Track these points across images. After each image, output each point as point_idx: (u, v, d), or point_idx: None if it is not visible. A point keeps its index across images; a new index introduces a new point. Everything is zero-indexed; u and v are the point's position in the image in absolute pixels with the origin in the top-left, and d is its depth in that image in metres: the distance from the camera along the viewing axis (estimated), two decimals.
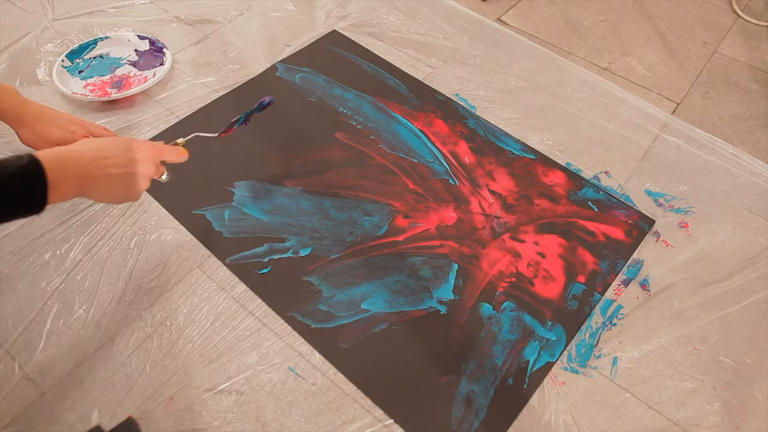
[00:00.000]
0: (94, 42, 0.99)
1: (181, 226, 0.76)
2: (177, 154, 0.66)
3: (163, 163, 0.65)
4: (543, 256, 0.76)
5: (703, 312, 0.72)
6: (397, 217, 0.79)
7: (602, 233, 0.79)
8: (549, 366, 0.67)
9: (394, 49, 1.05)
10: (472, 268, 0.75)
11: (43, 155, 0.49)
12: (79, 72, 0.95)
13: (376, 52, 1.03)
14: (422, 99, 0.96)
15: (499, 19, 1.18)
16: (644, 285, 0.75)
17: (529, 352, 0.67)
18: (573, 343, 0.69)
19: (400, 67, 1.01)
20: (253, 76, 0.97)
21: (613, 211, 0.82)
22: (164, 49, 0.98)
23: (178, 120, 0.89)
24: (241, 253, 0.74)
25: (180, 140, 0.69)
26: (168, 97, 0.93)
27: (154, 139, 0.86)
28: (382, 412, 0.62)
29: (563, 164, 0.88)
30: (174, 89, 0.95)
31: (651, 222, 0.81)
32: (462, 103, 0.96)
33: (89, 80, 0.94)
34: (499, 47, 1.08)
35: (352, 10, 1.13)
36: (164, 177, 0.66)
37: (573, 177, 0.86)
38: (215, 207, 0.79)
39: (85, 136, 0.71)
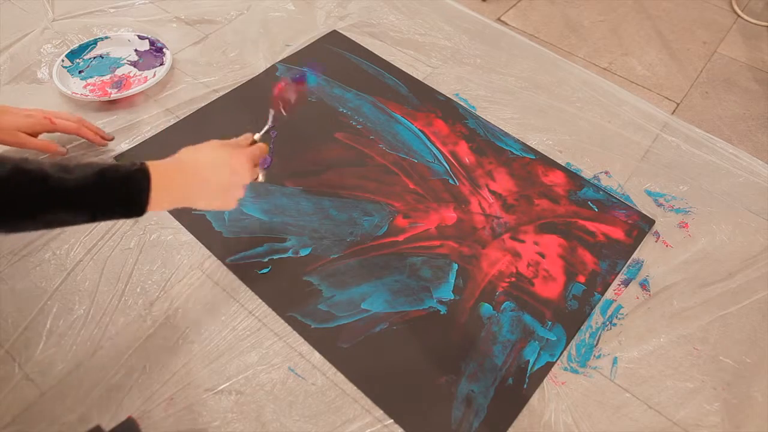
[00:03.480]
0: (94, 42, 0.99)
1: (181, 226, 0.76)
2: (263, 152, 0.67)
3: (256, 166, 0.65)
4: (543, 256, 0.76)
5: (703, 312, 0.72)
6: (397, 217, 0.79)
7: (602, 233, 0.79)
8: (549, 366, 0.67)
9: (394, 49, 1.05)
10: (472, 268, 0.75)
11: (153, 164, 0.53)
12: (79, 72, 0.95)
13: (376, 52, 1.03)
14: (422, 99, 0.96)
15: (499, 19, 1.18)
16: (644, 285, 0.75)
17: (529, 352, 0.67)
18: (573, 343, 0.69)
19: (400, 67, 1.01)
20: (253, 76, 0.97)
21: (613, 211, 0.82)
22: (164, 49, 0.98)
23: (178, 120, 0.89)
24: (241, 253, 0.74)
25: (256, 136, 0.68)
26: (168, 97, 0.93)
27: (154, 138, 0.86)
28: (382, 412, 0.62)
29: (563, 164, 0.88)
30: (174, 89, 0.95)
31: (651, 222, 0.81)
32: (462, 103, 0.96)
33: (89, 80, 0.94)
34: (499, 47, 1.08)
35: (352, 10, 1.13)
36: (261, 178, 0.67)
37: (573, 177, 0.86)
38: None
39: (45, 117, 0.77)
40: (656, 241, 0.80)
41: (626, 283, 0.75)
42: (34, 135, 0.77)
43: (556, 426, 0.62)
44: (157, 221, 0.77)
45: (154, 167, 0.53)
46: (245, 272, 0.72)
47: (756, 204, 0.85)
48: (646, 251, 0.78)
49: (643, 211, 0.83)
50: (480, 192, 0.83)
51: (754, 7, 1.27)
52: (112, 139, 0.85)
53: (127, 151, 0.85)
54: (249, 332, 0.67)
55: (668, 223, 0.82)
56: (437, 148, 0.88)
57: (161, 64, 0.96)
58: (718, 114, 1.01)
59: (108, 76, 0.95)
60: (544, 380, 0.65)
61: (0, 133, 0.74)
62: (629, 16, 1.22)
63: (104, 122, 0.88)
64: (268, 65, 0.99)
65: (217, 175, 0.59)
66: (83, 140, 0.83)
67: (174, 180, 0.55)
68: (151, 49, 1.00)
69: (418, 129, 0.91)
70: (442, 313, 0.70)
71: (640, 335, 0.70)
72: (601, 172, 0.88)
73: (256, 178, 0.66)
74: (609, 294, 0.74)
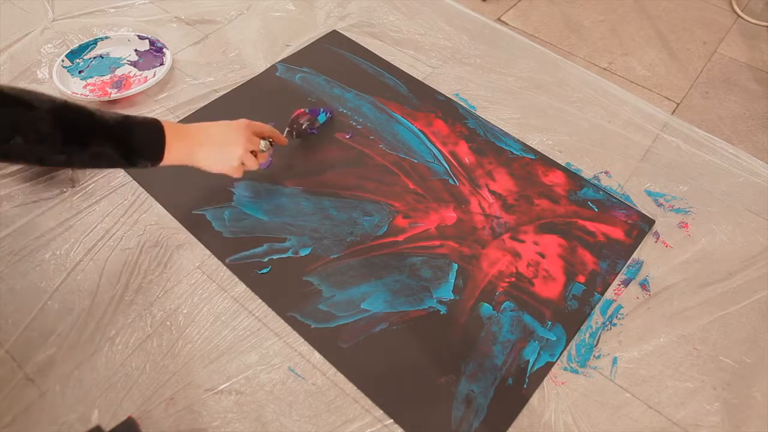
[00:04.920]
0: (94, 42, 0.99)
1: (181, 226, 0.76)
2: (270, 131, 0.75)
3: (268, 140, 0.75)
4: (543, 256, 0.76)
5: (703, 312, 0.72)
6: (397, 217, 0.79)
7: (602, 233, 0.79)
8: (549, 366, 0.67)
9: (394, 49, 1.05)
10: (472, 268, 0.75)
11: (163, 121, 0.64)
12: (79, 72, 0.95)
13: (376, 52, 1.03)
14: (422, 99, 0.96)
15: (499, 19, 1.18)
16: (644, 285, 0.75)
17: (529, 352, 0.67)
18: (573, 343, 0.69)
19: (400, 67, 1.01)
20: (253, 76, 0.97)
21: (613, 211, 0.82)
22: (164, 49, 0.98)
23: (177, 120, 0.89)
24: (241, 253, 0.74)
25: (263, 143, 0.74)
26: (168, 97, 0.93)
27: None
28: (381, 412, 0.62)
29: (563, 164, 0.88)
30: (174, 89, 0.95)
31: (651, 222, 0.81)
32: (462, 103, 0.96)
33: (89, 80, 0.94)
34: (499, 47, 1.08)
35: (352, 10, 1.13)
36: (262, 146, 0.73)
37: (573, 177, 0.86)
38: (215, 207, 0.79)
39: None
40: (656, 241, 0.80)
41: (626, 283, 0.75)
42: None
43: (556, 426, 0.62)
44: (157, 221, 0.77)
45: (165, 122, 0.64)
46: (245, 272, 0.72)
47: (756, 204, 0.85)
48: (646, 251, 0.78)
49: (643, 211, 0.83)
50: (480, 192, 0.83)
51: (754, 7, 1.27)
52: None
53: None
54: (249, 332, 0.67)
55: (668, 223, 0.82)
56: (437, 148, 0.88)
57: (161, 64, 0.97)
58: (718, 114, 1.01)
59: (108, 76, 0.95)
60: (544, 380, 0.65)
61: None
62: (629, 16, 1.22)
63: None
64: (268, 65, 0.99)
65: (217, 129, 0.68)
66: None
67: (181, 130, 0.65)
68: (151, 49, 1.00)
69: (418, 129, 0.91)
70: (442, 313, 0.70)
71: (640, 335, 0.70)
72: (601, 172, 0.88)
73: (259, 146, 0.72)
74: (609, 294, 0.74)
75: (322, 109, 0.86)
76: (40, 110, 0.53)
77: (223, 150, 0.69)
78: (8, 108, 0.52)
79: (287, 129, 0.82)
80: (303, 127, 0.84)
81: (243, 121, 0.71)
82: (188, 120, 0.90)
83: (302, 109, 0.84)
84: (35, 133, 0.53)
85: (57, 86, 0.90)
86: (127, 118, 0.60)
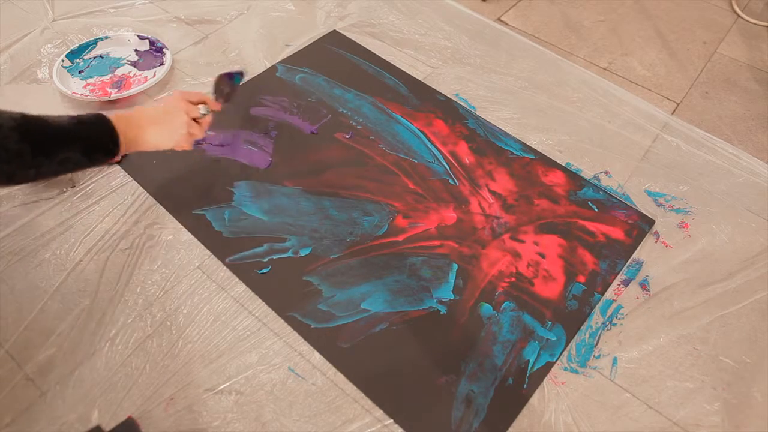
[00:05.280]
0: (94, 42, 0.99)
1: (181, 226, 0.76)
2: (200, 95, 0.75)
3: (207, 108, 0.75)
4: (543, 256, 0.76)
5: (703, 312, 0.72)
6: (397, 217, 0.79)
7: (602, 233, 0.79)
8: (549, 366, 0.67)
9: (394, 49, 1.05)
10: (472, 268, 0.75)
11: (106, 114, 0.65)
12: (79, 72, 0.95)
13: (376, 52, 1.03)
14: (422, 99, 0.96)
15: (499, 19, 1.18)
16: (644, 285, 0.75)
17: (529, 352, 0.67)
18: (573, 343, 0.69)
19: (400, 67, 1.01)
20: (253, 76, 0.97)
21: (613, 211, 0.82)
22: (164, 49, 0.98)
23: None
24: (241, 253, 0.74)
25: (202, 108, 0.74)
26: (168, 97, 0.93)
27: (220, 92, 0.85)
28: (381, 412, 0.62)
29: (563, 164, 0.88)
30: (174, 89, 0.95)
31: (651, 222, 0.81)
32: (462, 103, 0.96)
33: (89, 80, 0.94)
34: (499, 47, 1.08)
35: (352, 10, 1.13)
36: (202, 110, 0.73)
37: (573, 177, 0.86)
38: (215, 207, 0.79)
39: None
40: (656, 242, 0.80)
41: (626, 283, 0.75)
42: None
43: (556, 426, 0.62)
44: (157, 221, 0.77)
45: (106, 113, 0.65)
46: (245, 272, 0.72)
47: (756, 204, 0.85)
48: (646, 251, 0.78)
49: (643, 211, 0.83)
50: (480, 192, 0.83)
51: (754, 7, 1.26)
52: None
53: None
54: (249, 332, 0.67)
55: (668, 223, 0.82)
56: (437, 149, 0.88)
57: (161, 64, 0.97)
58: (718, 114, 1.01)
59: (108, 76, 0.95)
60: (544, 380, 0.65)
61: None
62: (629, 16, 1.22)
63: None
64: (268, 65, 0.99)
65: (155, 108, 0.70)
66: None
67: (125, 118, 0.66)
68: (151, 49, 1.00)
69: (418, 129, 0.91)
70: (442, 313, 0.70)
71: (640, 335, 0.70)
72: (601, 172, 0.88)
73: (199, 113, 0.73)
74: (609, 294, 0.74)
75: (236, 73, 0.84)
76: (5, 128, 0.53)
77: (168, 124, 0.70)
78: None
79: (213, 95, 0.81)
80: (225, 92, 0.81)
81: (176, 92, 0.73)
82: None
83: (221, 74, 0.82)
84: (5, 152, 0.52)
85: (57, 86, 0.90)
86: (77, 118, 0.61)
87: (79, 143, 0.60)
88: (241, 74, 0.83)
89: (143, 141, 0.68)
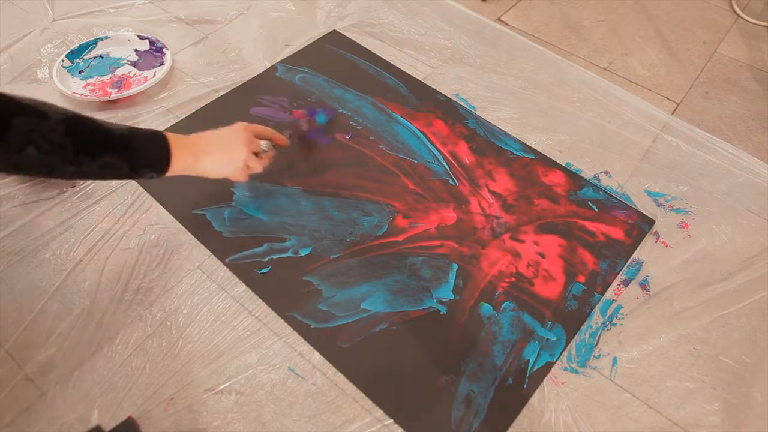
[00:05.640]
0: (94, 42, 0.99)
1: (181, 226, 0.76)
2: (270, 133, 0.76)
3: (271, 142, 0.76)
4: (543, 256, 0.76)
5: (703, 312, 0.72)
6: (397, 217, 0.79)
7: (602, 233, 0.79)
8: (549, 366, 0.67)
9: (394, 49, 1.05)
10: (472, 268, 0.75)
11: (165, 132, 0.65)
12: (79, 72, 0.95)
13: (376, 52, 1.03)
14: (422, 99, 0.96)
15: (499, 19, 1.18)
16: (644, 285, 0.75)
17: (529, 352, 0.67)
18: (573, 343, 0.69)
19: (400, 67, 1.01)
20: (253, 76, 0.97)
21: (613, 211, 0.82)
22: (164, 49, 0.98)
23: (178, 120, 0.89)
24: (241, 252, 0.74)
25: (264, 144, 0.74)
26: (168, 97, 0.93)
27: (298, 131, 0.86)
28: (381, 412, 0.62)
29: (563, 164, 0.88)
30: (174, 89, 0.95)
31: (651, 222, 0.81)
32: (462, 103, 0.96)
33: (89, 80, 0.94)
34: (499, 47, 1.08)
35: (352, 10, 1.13)
36: (264, 146, 0.73)
37: (573, 177, 0.86)
38: (215, 207, 0.79)
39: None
40: (656, 242, 0.80)
41: (626, 283, 0.75)
42: None
43: (556, 426, 0.62)
44: (157, 221, 0.77)
45: (166, 132, 0.65)
46: (245, 272, 0.72)
47: (756, 204, 0.85)
48: (646, 251, 0.78)
49: (643, 211, 0.83)
50: (480, 192, 0.83)
51: (754, 7, 1.26)
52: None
53: None
54: (249, 332, 0.67)
55: (668, 223, 0.82)
56: (437, 149, 0.88)
57: (161, 64, 0.97)
58: (718, 114, 1.01)
59: (108, 76, 0.95)
60: (544, 380, 0.65)
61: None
62: (629, 16, 1.22)
63: None
64: (268, 65, 0.99)
65: (217, 136, 0.69)
66: None
67: (184, 140, 0.66)
68: (151, 49, 1.00)
69: (418, 129, 0.91)
70: (442, 313, 0.70)
71: (640, 335, 0.70)
72: (601, 172, 0.88)
73: (260, 148, 0.73)
74: (609, 294, 0.74)
75: (320, 110, 0.86)
76: (53, 120, 0.53)
77: (226, 155, 0.69)
78: (24, 117, 0.52)
79: (287, 132, 0.82)
80: (303, 129, 0.84)
81: (240, 124, 0.71)
82: (189, 120, 0.90)
83: (301, 111, 0.84)
84: (48, 143, 0.53)
85: (57, 86, 0.90)
86: (132, 129, 0.61)
87: (128, 153, 0.59)
88: (330, 113, 0.82)
89: (197, 167, 0.67)
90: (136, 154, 0.61)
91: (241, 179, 0.72)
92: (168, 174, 0.64)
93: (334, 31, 1.07)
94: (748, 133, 0.98)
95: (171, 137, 0.64)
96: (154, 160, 0.63)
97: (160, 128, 0.87)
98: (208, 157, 0.67)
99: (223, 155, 0.69)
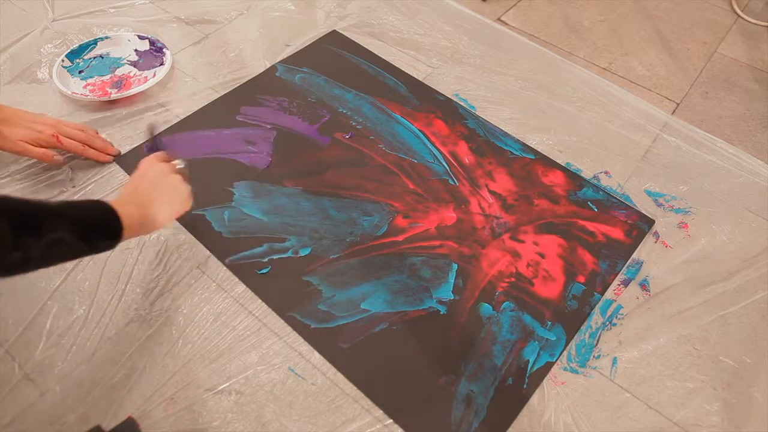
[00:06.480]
0: (94, 42, 0.99)
1: (181, 226, 0.76)
2: (161, 155, 0.71)
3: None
4: (543, 256, 0.76)
5: (703, 312, 0.72)
6: (397, 217, 0.79)
7: (602, 233, 0.79)
8: (549, 366, 0.67)
9: (394, 49, 1.05)
10: (472, 268, 0.75)
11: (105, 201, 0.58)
12: (79, 72, 0.95)
13: (376, 52, 1.03)
14: (422, 99, 0.96)
15: (499, 19, 1.18)
16: (644, 285, 0.75)
17: (528, 352, 0.67)
18: (573, 343, 0.69)
19: (400, 67, 1.01)
20: (253, 76, 0.97)
21: (613, 212, 0.82)
22: (164, 49, 0.98)
23: (178, 120, 0.89)
24: (241, 253, 0.74)
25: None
26: (168, 97, 0.93)
27: (149, 140, 0.86)
28: (381, 412, 0.62)
29: (563, 164, 0.88)
30: (174, 89, 0.95)
31: (651, 222, 0.81)
32: (462, 103, 0.96)
33: (89, 80, 0.94)
34: (499, 47, 1.08)
35: (352, 10, 1.13)
36: (180, 164, 0.71)
37: (573, 177, 0.86)
38: (215, 207, 0.79)
39: (53, 135, 0.78)
40: (656, 242, 0.80)
41: (626, 283, 0.75)
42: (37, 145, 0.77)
43: (556, 426, 0.62)
44: None
45: (108, 201, 0.58)
46: (245, 272, 0.72)
47: (756, 204, 0.85)
48: (645, 251, 0.78)
49: (643, 211, 0.83)
50: (480, 192, 0.83)
51: (754, 7, 1.27)
52: (118, 154, 0.84)
53: (127, 152, 0.85)
54: (249, 332, 0.67)
55: (668, 223, 0.82)
56: (437, 149, 0.88)
57: (161, 64, 0.97)
58: (718, 114, 1.01)
59: (108, 76, 0.95)
60: (544, 380, 0.65)
61: (4, 142, 0.74)
62: (629, 16, 1.22)
63: (104, 122, 0.88)
64: (268, 65, 0.99)
65: (147, 182, 0.64)
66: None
67: (123, 199, 0.61)
68: (151, 49, 1.00)
69: (418, 129, 0.91)
70: (441, 313, 0.70)
71: (640, 335, 0.70)
72: (601, 172, 0.88)
73: (179, 169, 0.70)
74: (609, 294, 0.74)
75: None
76: None
77: (168, 193, 0.65)
78: None
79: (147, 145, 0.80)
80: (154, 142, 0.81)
81: (148, 160, 0.67)
82: (189, 120, 0.90)
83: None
84: None
85: (57, 86, 0.90)
86: (66, 201, 0.55)
87: (71, 223, 0.52)
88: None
89: (150, 221, 0.62)
90: (83, 222, 0.53)
91: (188, 208, 0.69)
92: (124, 237, 0.57)
93: (334, 31, 1.07)
94: (748, 133, 0.98)
95: (110, 201, 0.58)
96: (104, 226, 0.56)
97: (160, 128, 0.88)
98: (156, 208, 0.62)
99: (166, 198, 0.65)
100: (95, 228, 0.55)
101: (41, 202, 0.51)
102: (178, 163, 0.70)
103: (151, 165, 0.67)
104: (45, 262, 0.51)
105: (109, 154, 0.83)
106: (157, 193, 0.64)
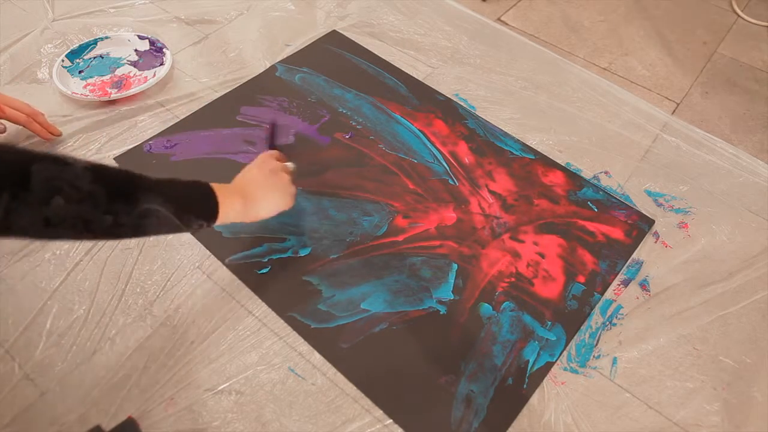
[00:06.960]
0: (94, 42, 0.99)
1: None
2: (278, 154, 0.74)
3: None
4: (543, 256, 0.76)
5: (703, 312, 0.72)
6: (397, 217, 0.79)
7: (602, 233, 0.79)
8: (549, 366, 0.67)
9: (394, 49, 1.05)
10: (472, 268, 0.75)
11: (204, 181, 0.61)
12: (79, 72, 0.95)
13: (376, 52, 1.03)
14: (422, 99, 0.96)
15: (499, 19, 1.18)
16: (644, 285, 0.75)
17: (528, 352, 0.67)
18: (573, 343, 0.69)
19: (400, 67, 1.01)
20: (253, 76, 0.97)
21: (613, 212, 0.82)
22: (164, 49, 0.98)
23: (178, 120, 0.89)
24: (241, 253, 0.74)
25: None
26: (168, 97, 0.93)
27: (150, 139, 0.86)
28: (381, 411, 0.62)
29: (563, 164, 0.88)
30: (174, 89, 0.95)
31: (651, 222, 0.81)
32: (462, 103, 0.96)
33: (89, 80, 0.94)
34: (499, 47, 1.08)
35: (352, 10, 1.13)
36: (291, 166, 0.74)
37: (573, 177, 0.86)
38: None
39: None
40: (656, 242, 0.80)
41: (626, 283, 0.75)
42: None
43: (556, 426, 0.62)
44: None
45: (210, 184, 0.60)
46: (245, 272, 0.72)
47: (756, 204, 0.85)
48: (645, 251, 0.78)
49: (643, 211, 0.83)
50: (480, 192, 0.83)
51: (754, 7, 1.27)
52: (59, 135, 0.84)
53: (127, 151, 0.85)
54: (249, 332, 0.67)
55: (668, 223, 0.82)
56: (437, 149, 0.88)
57: (161, 64, 0.97)
58: (718, 114, 1.01)
59: (108, 76, 0.95)
60: (544, 380, 0.65)
61: None
62: (629, 16, 1.22)
63: (104, 122, 0.88)
64: (268, 65, 0.99)
65: (254, 174, 0.68)
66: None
67: (228, 187, 0.63)
68: (151, 49, 1.00)
69: (418, 129, 0.91)
70: (441, 313, 0.70)
71: (640, 335, 0.70)
72: (601, 172, 0.88)
73: (290, 171, 0.73)
74: (609, 294, 0.74)
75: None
76: (76, 166, 0.47)
77: (276, 192, 0.68)
78: (42, 164, 0.45)
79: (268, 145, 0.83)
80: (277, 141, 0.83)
81: (265, 155, 0.70)
82: (188, 120, 0.90)
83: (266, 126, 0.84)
84: (76, 190, 0.46)
85: (57, 86, 0.90)
86: (168, 178, 0.56)
87: (166, 199, 0.53)
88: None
89: (251, 213, 0.64)
90: (179, 200, 0.55)
91: (290, 207, 0.70)
92: (218, 221, 0.59)
93: (334, 31, 1.07)
94: (748, 133, 0.98)
95: (214, 184, 0.60)
96: (201, 206, 0.58)
97: (160, 128, 0.88)
98: (261, 202, 0.66)
99: (273, 194, 0.67)
100: (190, 208, 0.57)
101: (140, 176, 0.53)
102: (291, 165, 0.74)
103: (267, 161, 0.70)
104: (140, 231, 0.53)
105: (52, 134, 0.83)
106: (266, 189, 0.67)
